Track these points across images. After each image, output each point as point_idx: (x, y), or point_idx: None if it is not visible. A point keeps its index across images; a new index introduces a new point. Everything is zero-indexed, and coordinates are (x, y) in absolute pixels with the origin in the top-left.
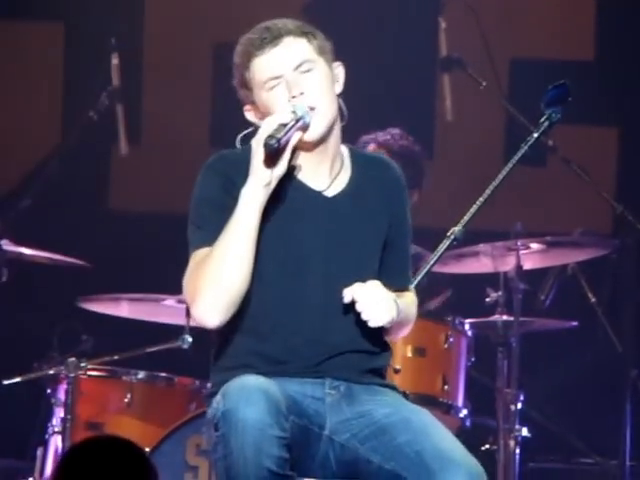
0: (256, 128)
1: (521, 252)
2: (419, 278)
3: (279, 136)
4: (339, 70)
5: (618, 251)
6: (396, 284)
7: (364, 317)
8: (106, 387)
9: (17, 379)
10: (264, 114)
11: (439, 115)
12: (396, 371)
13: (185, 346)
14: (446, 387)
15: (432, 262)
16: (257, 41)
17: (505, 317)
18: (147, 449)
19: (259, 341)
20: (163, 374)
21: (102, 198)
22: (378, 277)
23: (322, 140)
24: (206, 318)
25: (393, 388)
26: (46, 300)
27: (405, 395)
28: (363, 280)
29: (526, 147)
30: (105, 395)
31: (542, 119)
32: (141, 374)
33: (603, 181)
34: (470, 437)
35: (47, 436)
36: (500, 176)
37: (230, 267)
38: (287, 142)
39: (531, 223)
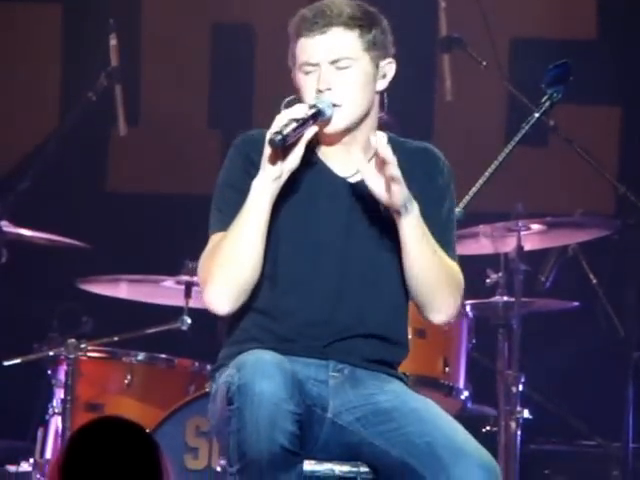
0: (299, 94)
1: (522, 233)
2: None
3: (286, 132)
4: (389, 67)
5: (620, 232)
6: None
7: (380, 150)
8: (106, 368)
9: (17, 360)
10: (298, 90)
11: (439, 95)
12: None
13: (184, 327)
14: (447, 369)
15: None
16: (309, 22)
17: (506, 298)
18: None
19: (270, 320)
20: (163, 355)
21: (101, 179)
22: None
23: (347, 131)
24: (215, 305)
25: (401, 379)
26: (46, 281)
27: (405, 376)
28: (380, 266)
29: (527, 127)
30: (105, 376)
31: (543, 99)
32: (141, 355)
33: (605, 161)
34: (471, 419)
35: (47, 417)
36: (501, 157)
37: (240, 256)
38: (298, 137)
39: (532, 204)
